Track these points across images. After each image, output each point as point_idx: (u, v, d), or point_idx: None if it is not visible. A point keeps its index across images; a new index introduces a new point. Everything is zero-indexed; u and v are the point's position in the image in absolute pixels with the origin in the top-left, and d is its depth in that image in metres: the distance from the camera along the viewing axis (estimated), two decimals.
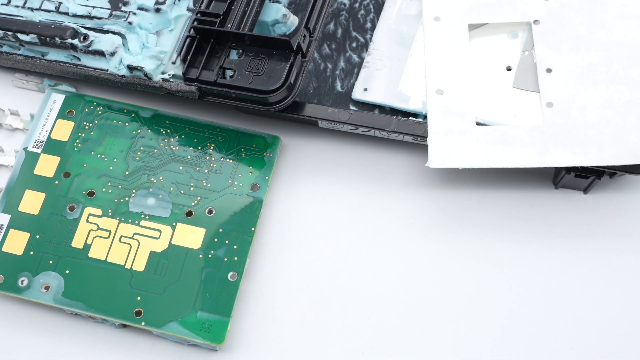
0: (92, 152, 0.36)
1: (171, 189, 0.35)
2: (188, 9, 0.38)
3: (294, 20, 0.38)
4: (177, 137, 0.37)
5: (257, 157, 0.36)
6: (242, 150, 0.36)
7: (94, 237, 0.34)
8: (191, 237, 0.34)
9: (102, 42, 0.36)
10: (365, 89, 0.38)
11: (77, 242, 0.34)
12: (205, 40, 0.35)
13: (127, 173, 0.36)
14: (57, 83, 0.39)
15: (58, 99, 0.38)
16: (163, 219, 0.35)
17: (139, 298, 0.33)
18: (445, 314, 0.34)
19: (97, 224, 0.34)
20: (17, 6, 0.39)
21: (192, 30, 0.35)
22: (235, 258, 0.34)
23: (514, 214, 0.36)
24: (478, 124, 0.35)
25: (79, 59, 0.37)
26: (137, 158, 0.36)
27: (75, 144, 0.37)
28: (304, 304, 0.34)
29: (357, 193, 0.37)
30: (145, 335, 0.34)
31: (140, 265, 0.33)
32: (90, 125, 0.37)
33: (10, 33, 0.38)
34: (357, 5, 0.41)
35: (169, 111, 0.38)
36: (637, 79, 0.35)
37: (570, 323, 0.34)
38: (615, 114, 0.34)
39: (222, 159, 0.36)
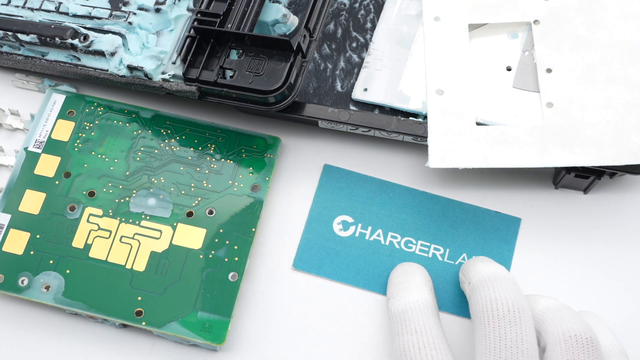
0: (93, 153, 0.36)
1: (172, 189, 0.35)
2: (188, 9, 0.38)
3: (294, 20, 0.38)
4: (178, 137, 0.37)
5: (257, 158, 0.36)
6: (243, 151, 0.36)
7: (94, 237, 0.34)
8: (192, 237, 0.34)
9: (102, 42, 0.36)
10: (365, 89, 0.38)
11: (78, 242, 0.34)
12: (205, 41, 0.35)
13: (127, 173, 0.36)
14: (57, 83, 0.39)
15: (58, 99, 0.38)
16: (164, 219, 0.35)
17: (139, 298, 0.33)
18: (445, 313, 0.34)
19: (97, 224, 0.34)
20: (17, 6, 0.39)
21: (192, 30, 0.35)
22: (236, 258, 0.34)
23: (514, 214, 0.36)
24: (478, 124, 0.35)
25: (79, 59, 0.37)
26: (138, 158, 0.36)
27: (75, 144, 0.37)
28: (304, 304, 0.34)
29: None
30: (146, 335, 0.34)
31: (140, 266, 0.33)
32: (91, 125, 0.37)
33: (10, 33, 0.38)
34: (357, 5, 0.41)
35: (169, 112, 0.38)
36: (637, 79, 0.35)
37: None
38: (615, 114, 0.34)
39: (222, 160, 0.36)
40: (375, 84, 0.38)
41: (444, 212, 0.36)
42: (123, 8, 0.38)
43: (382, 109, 0.37)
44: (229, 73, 0.35)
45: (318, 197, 0.36)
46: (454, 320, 0.34)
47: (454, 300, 0.34)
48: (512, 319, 0.28)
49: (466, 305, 0.33)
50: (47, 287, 0.33)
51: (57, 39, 0.37)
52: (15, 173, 0.36)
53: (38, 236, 0.34)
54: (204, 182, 0.36)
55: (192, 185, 0.35)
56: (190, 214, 0.35)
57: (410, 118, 0.36)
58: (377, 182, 0.37)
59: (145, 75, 0.36)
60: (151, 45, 0.37)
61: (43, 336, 0.34)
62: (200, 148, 0.36)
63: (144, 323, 0.32)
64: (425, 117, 0.36)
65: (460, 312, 0.34)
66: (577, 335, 0.28)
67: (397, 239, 0.35)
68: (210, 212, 0.35)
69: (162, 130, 0.37)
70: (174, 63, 0.36)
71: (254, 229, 0.34)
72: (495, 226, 0.36)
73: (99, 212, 0.35)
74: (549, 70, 0.36)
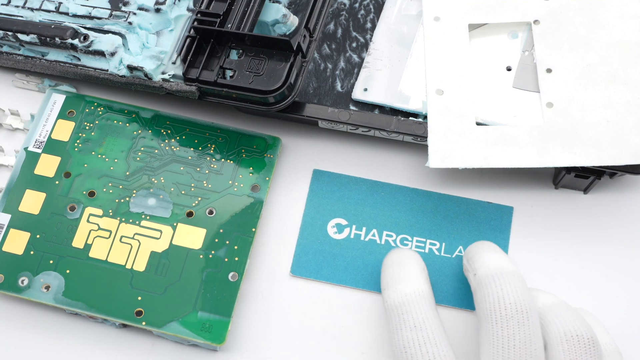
0: (93, 153, 0.36)
1: (172, 189, 0.35)
2: (188, 9, 0.38)
3: (294, 20, 0.38)
4: (178, 137, 0.37)
5: (257, 158, 0.36)
6: (243, 151, 0.36)
7: (94, 237, 0.34)
8: (192, 237, 0.34)
9: (102, 42, 0.36)
10: (365, 89, 0.38)
11: (78, 242, 0.34)
12: (205, 41, 0.35)
13: (127, 173, 0.36)
14: (57, 83, 0.39)
15: (58, 99, 0.38)
16: (164, 219, 0.35)
17: (139, 298, 0.33)
18: (445, 313, 0.34)
19: (97, 224, 0.34)
20: (17, 6, 0.39)
21: (192, 30, 0.35)
22: (236, 258, 0.34)
23: (514, 214, 0.36)
24: (478, 124, 0.35)
25: (79, 59, 0.37)
26: (138, 158, 0.36)
27: (75, 144, 0.37)
28: (304, 304, 0.34)
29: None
30: (146, 335, 0.34)
31: (140, 265, 0.33)
32: (91, 125, 0.37)
33: (10, 33, 0.38)
34: (357, 5, 0.41)
35: (169, 112, 0.38)
36: (637, 79, 0.35)
37: None
38: (615, 114, 0.34)
39: (222, 160, 0.36)
40: (375, 84, 0.38)
41: (436, 207, 0.36)
42: (123, 8, 0.38)
43: (382, 109, 0.37)
44: (229, 73, 0.35)
45: (310, 202, 0.36)
46: (455, 314, 0.34)
47: (454, 293, 0.34)
48: (521, 319, 0.28)
49: (466, 297, 0.34)
50: (47, 287, 0.33)
51: (57, 39, 0.37)
52: (15, 173, 0.36)
53: (38, 236, 0.34)
54: (204, 182, 0.36)
55: (192, 185, 0.35)
56: (190, 214, 0.35)
57: (410, 118, 0.36)
58: (368, 183, 0.37)
59: (145, 75, 0.36)
60: (151, 45, 0.37)
61: (43, 336, 0.34)
62: (200, 148, 0.36)
63: (144, 323, 0.32)
64: (425, 117, 0.36)
65: (461, 304, 0.34)
66: (579, 335, 0.28)
67: (393, 237, 0.35)
68: (210, 212, 0.35)
69: (162, 130, 0.37)
70: (174, 63, 0.36)
71: (254, 229, 0.34)
72: (488, 216, 0.36)
73: (99, 212, 0.35)
74: (549, 70, 0.36)
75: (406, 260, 0.32)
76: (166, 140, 0.37)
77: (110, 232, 0.34)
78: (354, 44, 0.40)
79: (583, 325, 0.28)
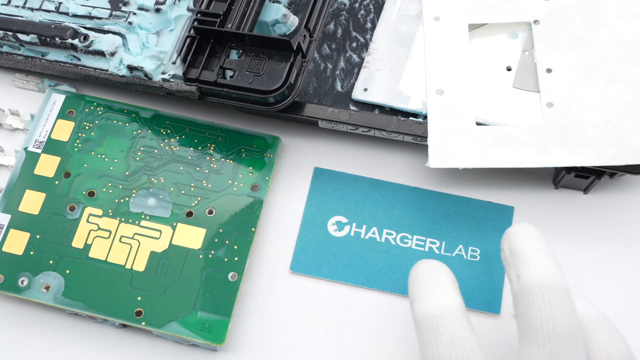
0: (93, 152, 0.36)
1: (171, 189, 0.35)
2: (188, 9, 0.38)
3: (294, 20, 0.38)
4: (178, 137, 0.37)
5: (257, 157, 0.36)
6: (243, 150, 0.36)
7: (94, 237, 0.34)
8: (191, 237, 0.34)
9: (102, 42, 0.36)
10: (365, 89, 0.38)
11: (78, 242, 0.34)
12: (205, 41, 0.35)
13: (127, 173, 0.36)
14: (57, 83, 0.39)
15: (58, 99, 0.38)
16: (163, 219, 0.35)
17: (139, 298, 0.33)
18: None
19: (97, 224, 0.34)
20: (17, 6, 0.39)
21: (192, 30, 0.35)
22: (236, 258, 0.34)
23: (514, 214, 0.36)
24: (478, 124, 0.35)
25: (79, 59, 0.37)
26: (138, 158, 0.36)
27: (75, 144, 0.37)
28: (304, 304, 0.34)
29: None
30: (146, 335, 0.34)
31: (140, 265, 0.33)
32: (91, 125, 0.37)
33: (10, 33, 0.38)
34: (357, 5, 0.41)
35: (169, 112, 0.38)
36: (637, 79, 0.35)
37: None
38: (615, 114, 0.34)
39: (222, 160, 0.36)
40: (375, 84, 0.38)
41: (436, 206, 0.36)
42: (123, 8, 0.38)
43: (382, 109, 0.37)
44: (229, 73, 0.35)
45: (311, 200, 0.36)
46: None
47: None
48: (570, 344, 0.26)
49: (467, 296, 0.33)
50: (47, 287, 0.33)
51: (57, 39, 0.37)
52: (15, 173, 0.36)
53: (38, 236, 0.34)
54: (204, 181, 0.36)
55: (192, 185, 0.35)
56: (190, 214, 0.35)
57: (410, 118, 0.36)
58: (369, 182, 0.37)
59: (145, 75, 0.36)
60: (151, 45, 0.37)
61: (43, 336, 0.34)
62: (200, 148, 0.36)
63: (144, 323, 0.32)
64: (425, 117, 0.36)
65: (468, 304, 0.34)
66: (623, 359, 0.27)
67: (393, 236, 0.35)
68: (210, 212, 0.35)
69: (162, 130, 0.37)
70: (174, 63, 0.36)
71: (253, 229, 0.34)
72: (488, 216, 0.36)
73: (99, 212, 0.35)
74: (549, 70, 0.36)
75: (437, 271, 0.29)
76: (166, 140, 0.37)
77: (110, 232, 0.34)
78: (354, 44, 0.40)
79: (625, 347, 0.27)
